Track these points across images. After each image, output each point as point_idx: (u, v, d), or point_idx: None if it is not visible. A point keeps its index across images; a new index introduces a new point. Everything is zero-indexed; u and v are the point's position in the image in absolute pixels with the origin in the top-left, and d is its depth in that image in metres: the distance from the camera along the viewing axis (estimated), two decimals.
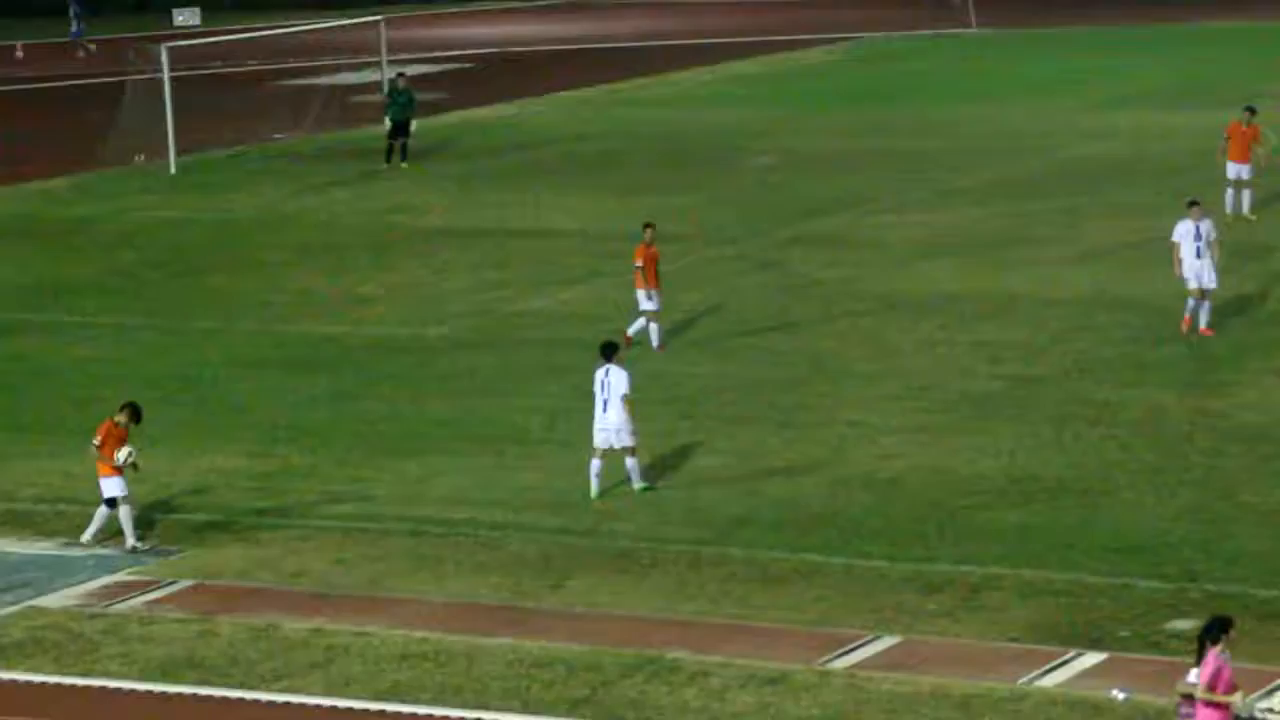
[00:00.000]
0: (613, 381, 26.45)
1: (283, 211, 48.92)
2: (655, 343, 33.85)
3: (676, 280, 39.22)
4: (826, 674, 20.85)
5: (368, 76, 69.82)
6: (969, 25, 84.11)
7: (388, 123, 54.43)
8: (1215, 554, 23.51)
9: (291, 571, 24.63)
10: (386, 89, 58.18)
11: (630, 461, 26.57)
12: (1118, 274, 37.73)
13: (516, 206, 47.80)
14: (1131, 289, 36.47)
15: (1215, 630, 17.60)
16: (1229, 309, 34.34)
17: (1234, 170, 41.50)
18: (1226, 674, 17.46)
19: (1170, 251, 33.19)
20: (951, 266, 39.25)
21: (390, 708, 20.55)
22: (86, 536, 25.59)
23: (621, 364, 26.80)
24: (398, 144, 54.14)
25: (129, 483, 25.52)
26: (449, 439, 29.57)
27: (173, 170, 53.99)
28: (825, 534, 24.90)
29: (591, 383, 26.74)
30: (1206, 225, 32.77)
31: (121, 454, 25.39)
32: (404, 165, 53.95)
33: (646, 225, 34.67)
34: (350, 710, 20.54)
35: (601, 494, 26.43)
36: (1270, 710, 19.21)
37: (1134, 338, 33.06)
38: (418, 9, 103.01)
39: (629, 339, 33.44)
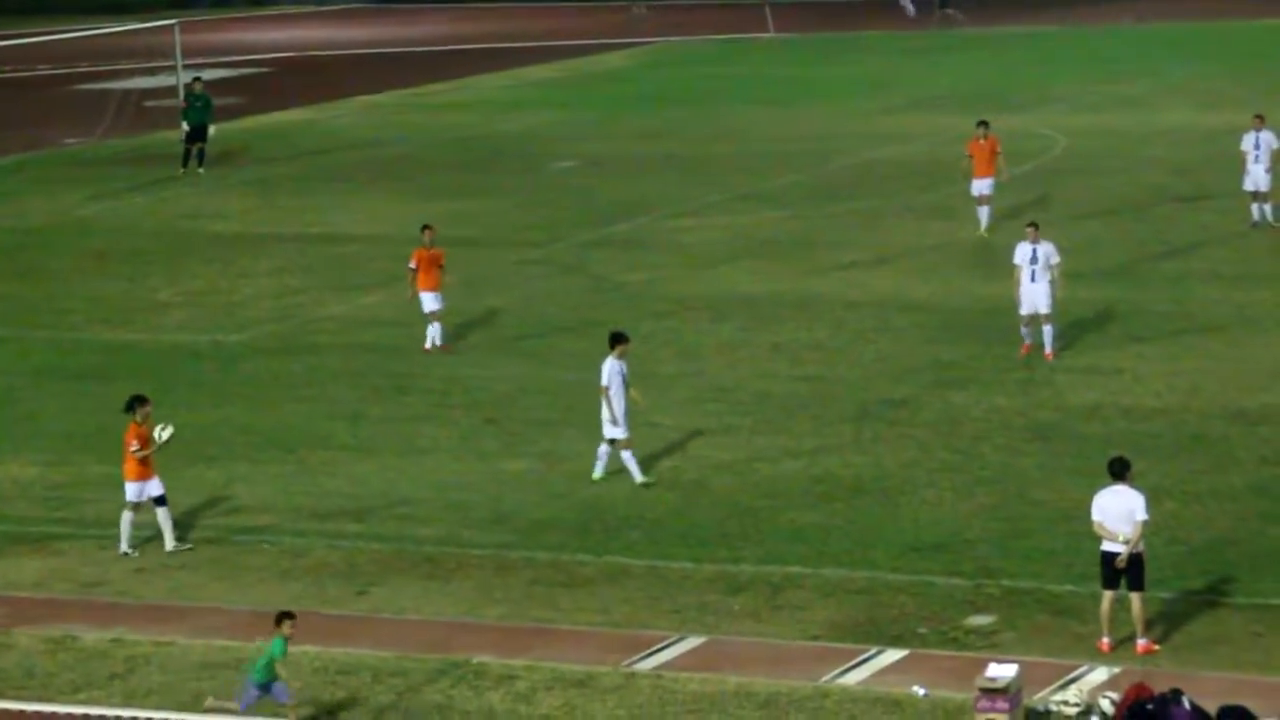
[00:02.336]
0: (603, 372, 26.84)
1: (77, 217, 48.17)
2: (433, 343, 33.98)
3: (479, 284, 39.22)
4: (632, 675, 20.95)
5: (162, 81, 68.95)
6: (766, 30, 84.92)
7: (184, 127, 53.86)
8: (1011, 551, 23.92)
9: (89, 581, 24.25)
10: (183, 94, 57.54)
11: (624, 454, 26.75)
12: (915, 276, 38.26)
13: (315, 211, 47.48)
14: (929, 291, 37.00)
15: None
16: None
17: (977, 187, 41.18)
18: None
19: (1013, 273, 32.41)
20: (751, 269, 39.59)
21: (192, 717, 20.31)
22: (169, 546, 24.94)
23: (619, 356, 26.82)
24: (194, 149, 53.58)
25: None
26: (250, 446, 29.29)
27: None
28: (630, 536, 25.01)
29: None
30: (1045, 248, 32.01)
31: (163, 433, 25.00)
32: (201, 170, 53.37)
33: (425, 227, 34.80)
34: None
35: (605, 476, 26.80)
36: (1065, 702, 19.61)
37: (931, 339, 33.53)
38: (211, 13, 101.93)
39: (442, 349, 33.57)
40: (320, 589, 23.74)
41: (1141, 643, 20.85)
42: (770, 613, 22.48)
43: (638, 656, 21.40)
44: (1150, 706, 19.01)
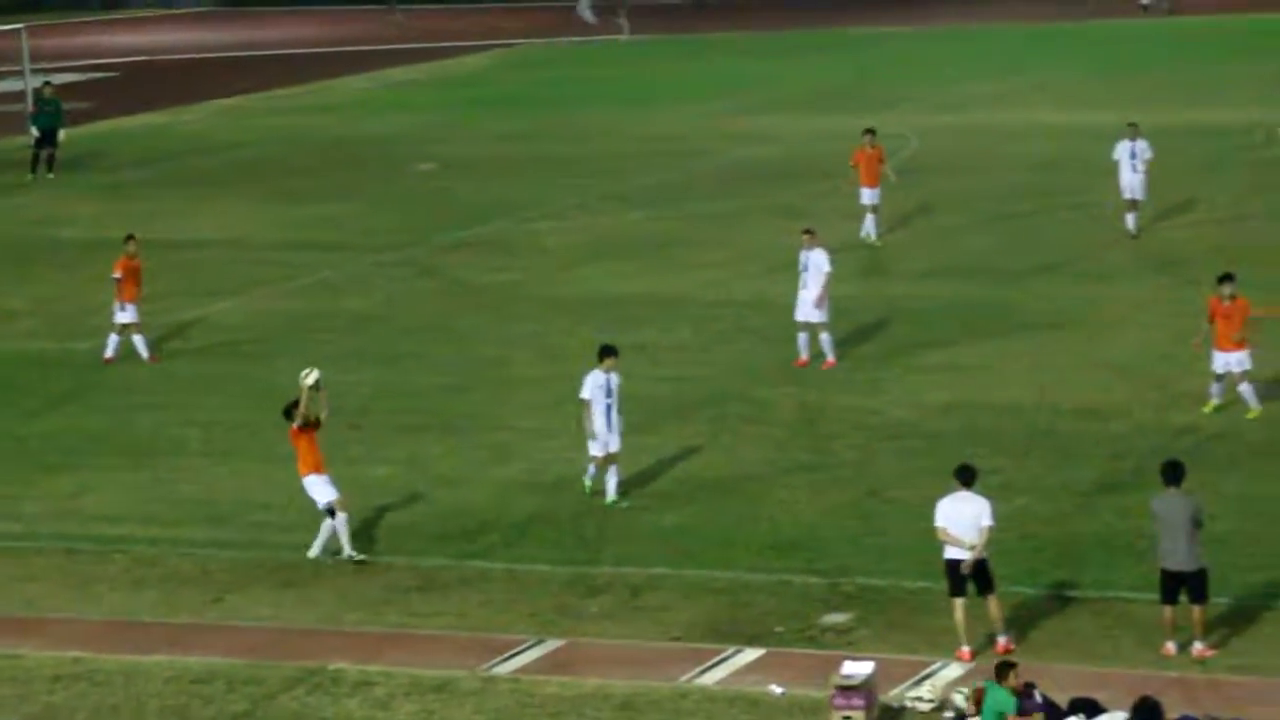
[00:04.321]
0: (584, 384, 26.08)
1: None
2: (145, 354, 33.64)
3: (339, 288, 39.02)
4: (491, 679, 20.90)
5: (10, 86, 68.00)
6: (622, 32, 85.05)
7: (34, 132, 53.19)
8: (867, 549, 24.07)
9: None
10: (32, 98, 56.79)
11: (605, 469, 26.09)
12: (773, 277, 38.37)
13: (169, 217, 46.97)
14: (786, 291, 37.01)
15: None
16: (882, 313, 35.28)
17: (868, 195, 40.77)
18: None
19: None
20: (612, 270, 39.63)
21: None
22: (346, 552, 24.13)
23: (607, 370, 25.99)
24: (44, 154, 52.94)
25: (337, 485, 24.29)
26: (102, 454, 28.94)
27: None
28: (489, 539, 24.95)
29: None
30: (816, 256, 31.82)
31: (308, 377, 24.11)
32: (50, 175, 52.71)
33: (129, 237, 34.47)
34: None
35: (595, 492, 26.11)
36: (919, 699, 19.75)
37: (789, 339, 33.62)
38: (60, 17, 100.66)
39: (108, 360, 33.36)
40: (174, 597, 23.49)
41: (1001, 641, 20.88)
42: (629, 614, 22.50)
43: (496, 660, 21.35)
44: None
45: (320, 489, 24.33)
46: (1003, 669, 18.54)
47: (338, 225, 45.28)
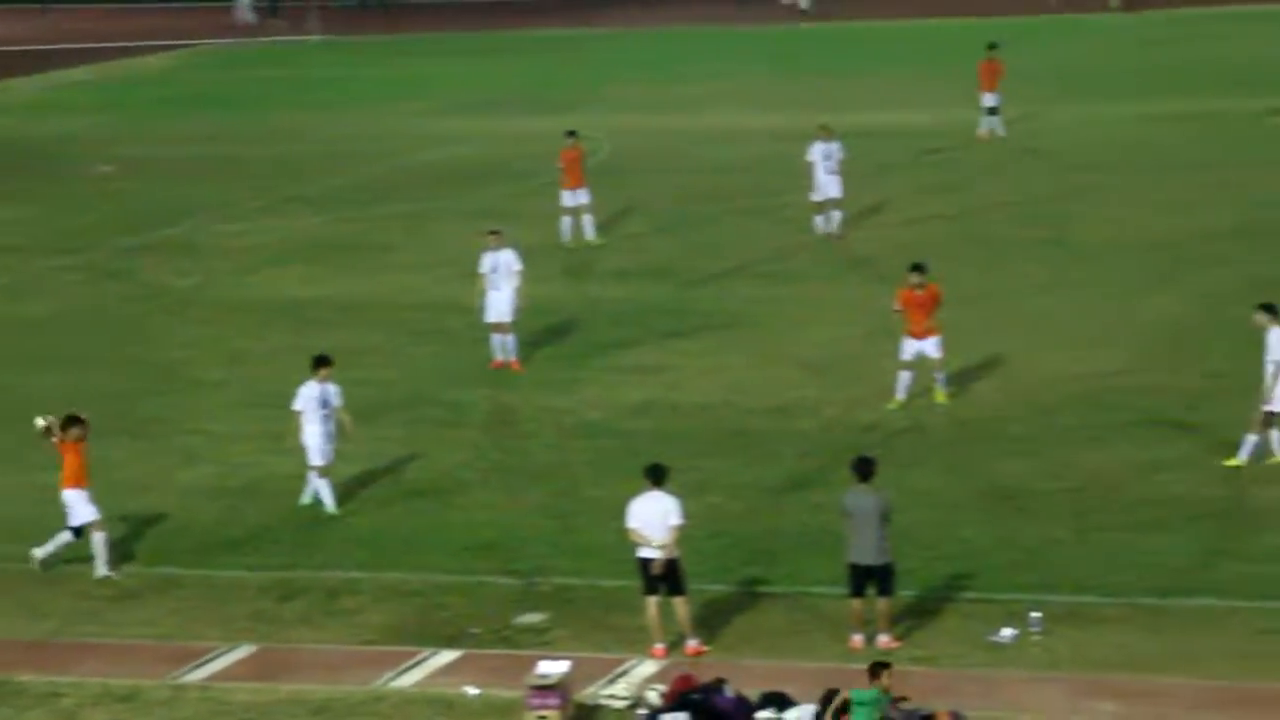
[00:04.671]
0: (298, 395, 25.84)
1: None
2: None
3: (18, 293, 38.09)
4: (181, 687, 20.60)
5: None
6: (311, 33, 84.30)
7: None
8: (563, 548, 24.20)
9: None
10: None
11: (319, 480, 25.70)
12: (465, 279, 38.29)
13: None
14: (479, 293, 37.10)
15: None
16: (574, 314, 35.48)
17: (570, 198, 40.80)
18: None
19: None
20: (301, 273, 39.26)
21: None
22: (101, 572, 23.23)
23: (322, 380, 25.75)
24: None
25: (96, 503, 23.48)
26: None
27: None
28: (179, 545, 24.58)
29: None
30: (506, 256, 31.97)
31: (40, 423, 23.58)
32: None
33: None
34: None
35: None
36: (614, 696, 19.92)
37: (481, 339, 33.66)
38: None
39: None
40: None
41: (691, 644, 21.10)
42: (324, 618, 22.35)
43: (187, 668, 21.04)
44: (696, 696, 19.45)
45: (80, 508, 23.75)
46: (875, 669, 18.70)
47: (14, 229, 44.22)
